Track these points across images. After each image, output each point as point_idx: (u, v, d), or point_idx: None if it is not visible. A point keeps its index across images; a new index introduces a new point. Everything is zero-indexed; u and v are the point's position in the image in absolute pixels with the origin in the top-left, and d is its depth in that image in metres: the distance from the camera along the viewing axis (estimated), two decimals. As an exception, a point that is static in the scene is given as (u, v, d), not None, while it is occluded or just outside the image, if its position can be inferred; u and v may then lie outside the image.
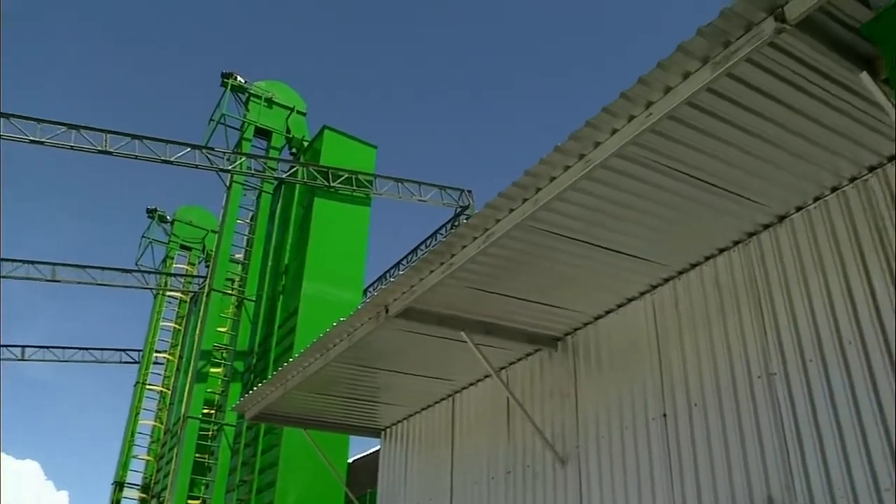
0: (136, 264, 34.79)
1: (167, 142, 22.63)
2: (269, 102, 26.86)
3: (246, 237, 26.58)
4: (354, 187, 23.43)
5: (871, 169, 7.10)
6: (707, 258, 8.54)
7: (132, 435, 34.15)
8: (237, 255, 26.69)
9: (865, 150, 6.82)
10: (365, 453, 26.09)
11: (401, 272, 8.54)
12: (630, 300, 9.41)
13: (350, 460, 21.95)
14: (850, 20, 5.29)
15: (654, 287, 9.11)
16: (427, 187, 25.09)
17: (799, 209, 7.69)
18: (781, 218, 7.83)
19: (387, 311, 9.17)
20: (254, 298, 25.13)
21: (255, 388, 12.42)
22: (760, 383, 7.63)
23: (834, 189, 7.40)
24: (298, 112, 27.39)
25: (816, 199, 7.54)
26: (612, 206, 7.35)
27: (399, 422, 13.92)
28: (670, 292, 8.94)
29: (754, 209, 7.63)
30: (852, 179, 7.25)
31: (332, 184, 23.04)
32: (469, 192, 25.76)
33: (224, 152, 23.95)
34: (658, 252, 8.32)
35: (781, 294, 7.67)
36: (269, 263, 24.76)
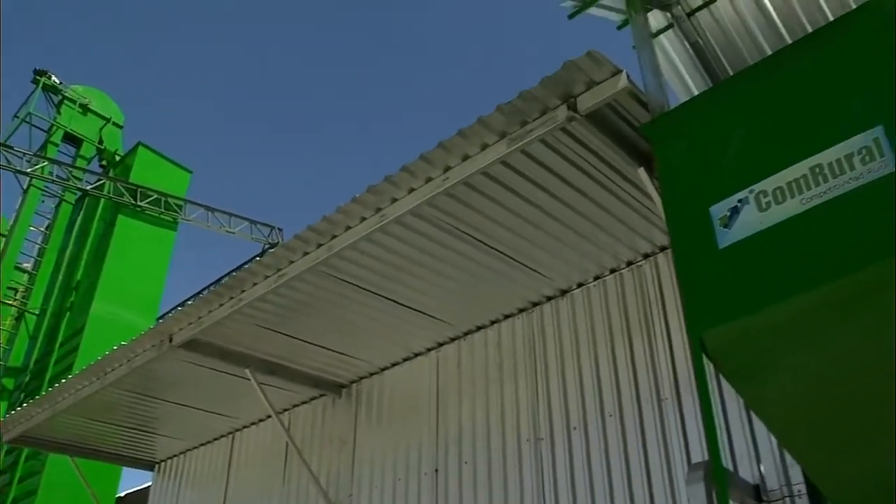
0: None
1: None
2: (84, 109, 25.71)
3: (38, 246, 25.08)
4: (162, 209, 22.71)
5: (646, 256, 7.65)
6: (492, 322, 8.86)
7: None
8: (25, 265, 25.11)
9: (641, 238, 7.34)
10: (138, 487, 24.89)
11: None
12: (416, 355, 9.59)
13: (121, 494, 20.87)
14: (633, 119, 5.73)
15: (440, 345, 9.33)
16: (238, 220, 24.65)
17: (580, 285, 8.15)
18: (564, 292, 8.26)
19: (171, 341, 8.89)
20: (37, 312, 23.68)
21: (19, 409, 11.66)
22: (528, 447, 7.95)
23: (612, 271, 7.90)
24: (114, 124, 26.35)
25: (596, 277, 8.02)
26: (404, 262, 7.51)
27: (175, 456, 13.43)
28: (454, 351, 9.19)
29: (540, 281, 8.00)
30: (629, 263, 7.78)
31: (139, 203, 22.25)
32: (280, 229, 25.54)
33: (24, 153, 22.62)
34: (446, 311, 8.55)
35: (556, 364, 8.06)
36: (60, 277, 23.48)
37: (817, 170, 4.39)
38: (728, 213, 4.66)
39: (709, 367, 4.66)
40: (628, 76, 5.35)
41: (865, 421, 4.77)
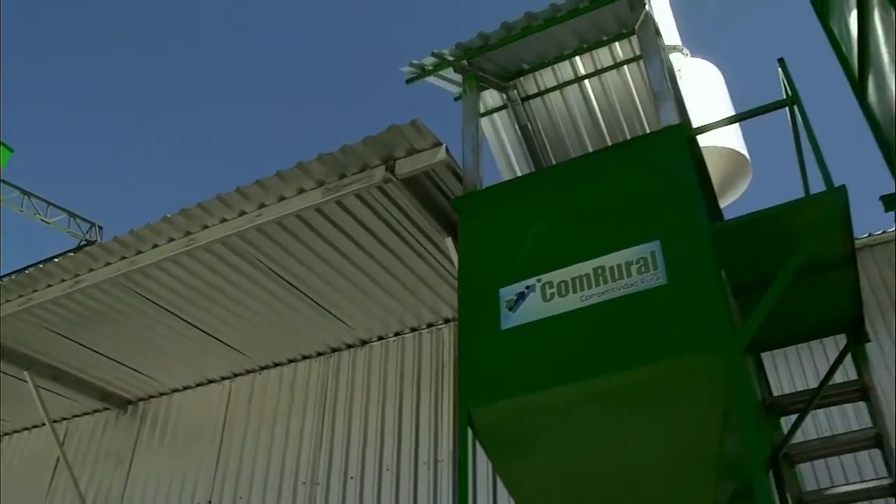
0: None
1: None
2: None
3: None
4: (-29, 184, 21.37)
5: (446, 321, 7.91)
6: (290, 360, 8.87)
7: None
8: None
9: (444, 303, 7.59)
10: None
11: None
12: (210, 381, 9.44)
13: None
14: (448, 190, 5.98)
15: (235, 375, 9.24)
16: (56, 209, 23.45)
17: (380, 339, 8.31)
18: (364, 342, 8.40)
19: (-54, 330, 8.38)
20: None
21: None
22: (304, 490, 7.97)
23: (413, 329, 8.12)
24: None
25: (397, 333, 8.20)
26: (209, 289, 7.44)
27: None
28: (248, 384, 9.11)
29: (341, 328, 8.10)
30: (429, 325, 8.01)
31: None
32: (100, 227, 24.43)
33: None
34: (246, 343, 8.50)
35: (344, 411, 8.15)
36: None
37: (599, 271, 4.74)
38: (515, 298, 4.94)
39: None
40: (448, 150, 5.59)
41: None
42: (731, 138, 10.68)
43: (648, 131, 7.11)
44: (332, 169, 5.85)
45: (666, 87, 5.25)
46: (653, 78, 5.41)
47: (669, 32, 13.54)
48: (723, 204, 11.48)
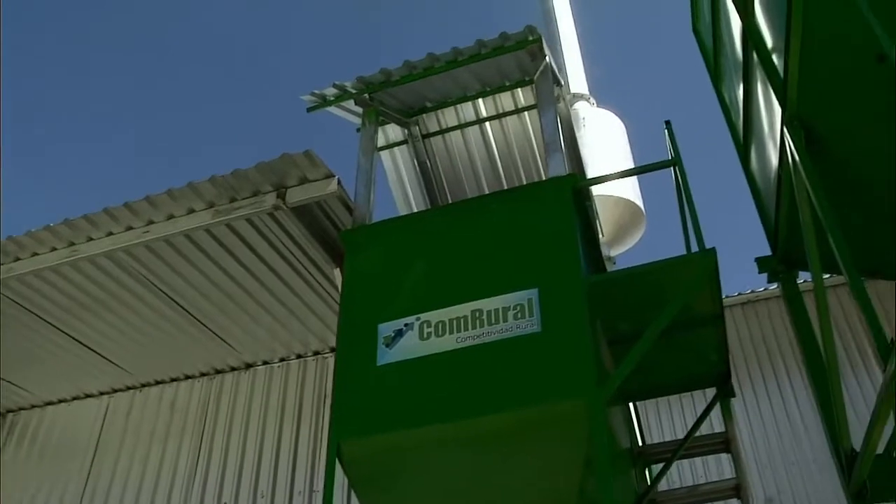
0: None
1: None
2: None
3: None
4: None
5: (332, 350, 7.88)
6: (172, 379, 8.71)
7: None
8: None
9: (331, 332, 7.58)
10: None
11: None
12: (87, 396, 9.18)
13: None
14: (339, 222, 6.00)
15: (115, 391, 9.01)
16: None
17: (265, 363, 8.25)
18: (249, 366, 8.32)
19: None
20: None
21: None
22: (176, 513, 7.79)
23: (299, 356, 8.08)
24: None
25: (282, 359, 8.17)
26: (92, 302, 7.26)
27: None
28: (127, 400, 8.90)
29: (227, 350, 8.01)
30: (315, 353, 8.00)
31: None
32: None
33: None
34: (127, 359, 8.31)
35: (223, 435, 8.04)
36: None
37: (477, 314, 4.82)
38: (393, 334, 4.98)
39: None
40: (340, 182, 5.62)
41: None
42: (628, 189, 11.01)
43: (544, 177, 7.28)
44: (223, 191, 5.81)
45: (557, 139, 5.40)
46: (545, 129, 5.55)
47: (578, 80, 13.92)
48: (618, 251, 11.81)
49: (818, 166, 4.74)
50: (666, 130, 5.77)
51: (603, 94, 16.20)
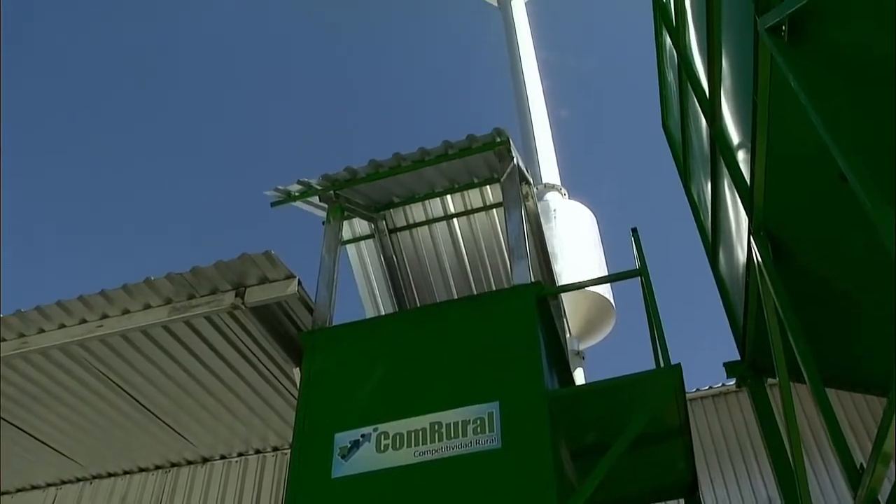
0: None
1: None
2: None
3: None
4: None
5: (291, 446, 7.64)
6: (125, 472, 8.42)
7: None
8: None
9: (291, 428, 7.33)
10: None
11: None
12: (33, 487, 8.83)
13: None
14: (300, 322, 5.85)
15: (63, 482, 8.68)
16: None
17: (223, 458, 8.01)
18: (205, 460, 8.06)
19: None
20: None
21: None
22: None
23: (258, 451, 7.84)
24: None
25: (240, 454, 7.91)
26: (42, 393, 7.02)
27: None
28: (76, 493, 8.58)
29: (183, 444, 7.76)
30: (275, 449, 7.76)
31: None
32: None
33: None
34: (78, 451, 8.01)
35: (175, 531, 7.73)
36: None
37: (436, 427, 4.66)
38: (349, 445, 4.80)
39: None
40: (300, 283, 5.50)
41: None
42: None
43: (511, 275, 7.22)
44: (181, 288, 5.67)
45: (523, 244, 5.34)
46: (511, 234, 5.49)
47: (550, 169, 13.98)
48: (587, 344, 11.69)
49: (785, 277, 4.70)
50: (632, 238, 5.72)
51: (575, 183, 16.27)
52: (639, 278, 5.37)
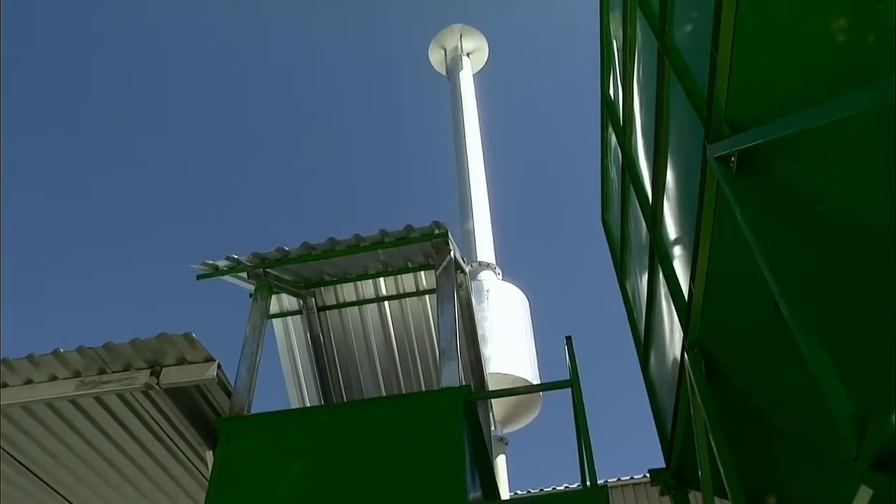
0: None
1: None
2: None
3: None
4: None
5: (201, 529, 7.28)
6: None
7: None
8: None
9: (200, 510, 7.01)
10: None
11: None
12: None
13: None
14: (218, 406, 5.60)
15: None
16: None
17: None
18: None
19: None
20: None
21: None
22: None
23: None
24: None
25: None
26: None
27: None
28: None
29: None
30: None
31: None
32: None
33: None
34: (-34, 525, 7.52)
35: None
36: None
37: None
38: (258, 545, 4.55)
39: None
40: (220, 367, 5.27)
41: None
42: (525, 368, 10.86)
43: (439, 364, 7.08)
44: (91, 363, 5.38)
45: (454, 345, 5.21)
46: (442, 332, 5.37)
47: (486, 247, 13.92)
48: (513, 428, 11.54)
49: (717, 393, 4.64)
50: (566, 347, 5.63)
51: (509, 263, 16.19)
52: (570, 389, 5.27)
